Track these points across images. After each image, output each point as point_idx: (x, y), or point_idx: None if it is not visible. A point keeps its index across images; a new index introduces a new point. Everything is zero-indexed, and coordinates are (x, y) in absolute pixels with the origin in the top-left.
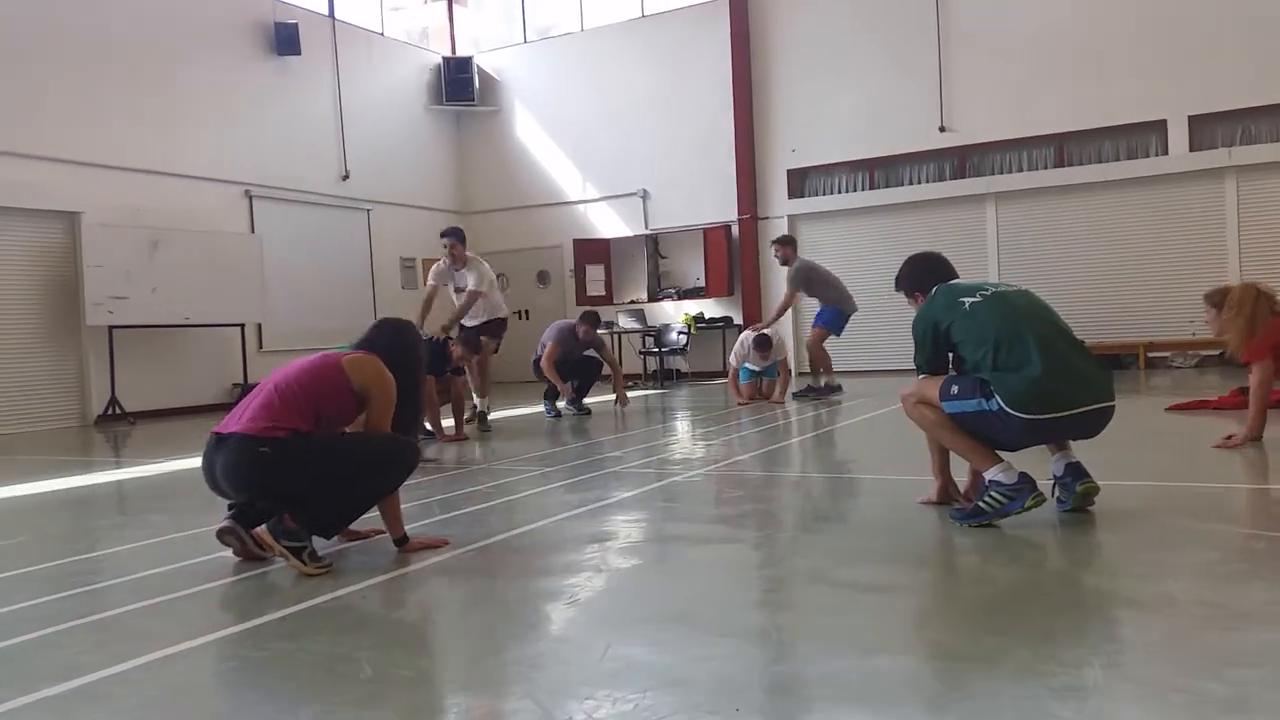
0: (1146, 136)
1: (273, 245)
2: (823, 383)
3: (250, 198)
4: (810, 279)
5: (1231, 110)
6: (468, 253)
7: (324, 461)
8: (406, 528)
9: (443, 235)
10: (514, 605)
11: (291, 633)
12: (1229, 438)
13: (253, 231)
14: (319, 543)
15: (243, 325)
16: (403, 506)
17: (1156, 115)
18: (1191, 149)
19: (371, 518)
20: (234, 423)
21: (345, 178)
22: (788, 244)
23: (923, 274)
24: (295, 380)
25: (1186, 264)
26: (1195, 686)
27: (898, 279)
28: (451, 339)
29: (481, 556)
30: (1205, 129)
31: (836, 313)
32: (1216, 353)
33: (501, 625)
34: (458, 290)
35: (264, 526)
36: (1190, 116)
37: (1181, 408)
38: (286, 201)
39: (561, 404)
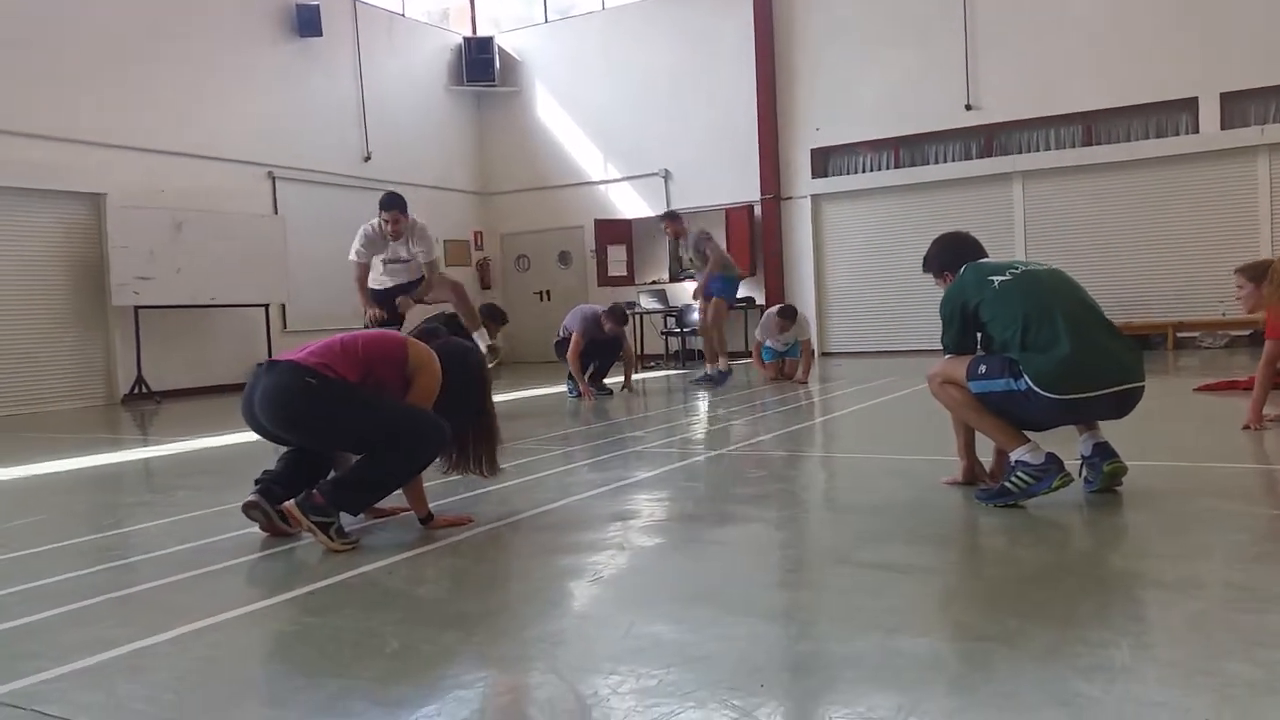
0: (1177, 115)
1: (296, 226)
2: (721, 367)
3: (273, 179)
4: (709, 246)
5: (1264, 87)
6: (412, 217)
7: (360, 413)
8: (431, 505)
9: (386, 208)
10: (537, 582)
11: (319, 607)
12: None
13: (276, 212)
14: (346, 520)
15: (267, 306)
16: (427, 485)
17: (1187, 93)
18: (1223, 127)
19: (395, 496)
20: (291, 353)
21: (367, 159)
22: (676, 219)
23: (951, 254)
24: (359, 338)
25: (1217, 244)
26: (1223, 668)
27: (926, 259)
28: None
29: (505, 534)
30: (1237, 107)
31: (727, 280)
32: (1246, 333)
33: (525, 602)
34: (392, 261)
35: (292, 502)
36: (1222, 94)
37: (1210, 388)
38: (309, 183)
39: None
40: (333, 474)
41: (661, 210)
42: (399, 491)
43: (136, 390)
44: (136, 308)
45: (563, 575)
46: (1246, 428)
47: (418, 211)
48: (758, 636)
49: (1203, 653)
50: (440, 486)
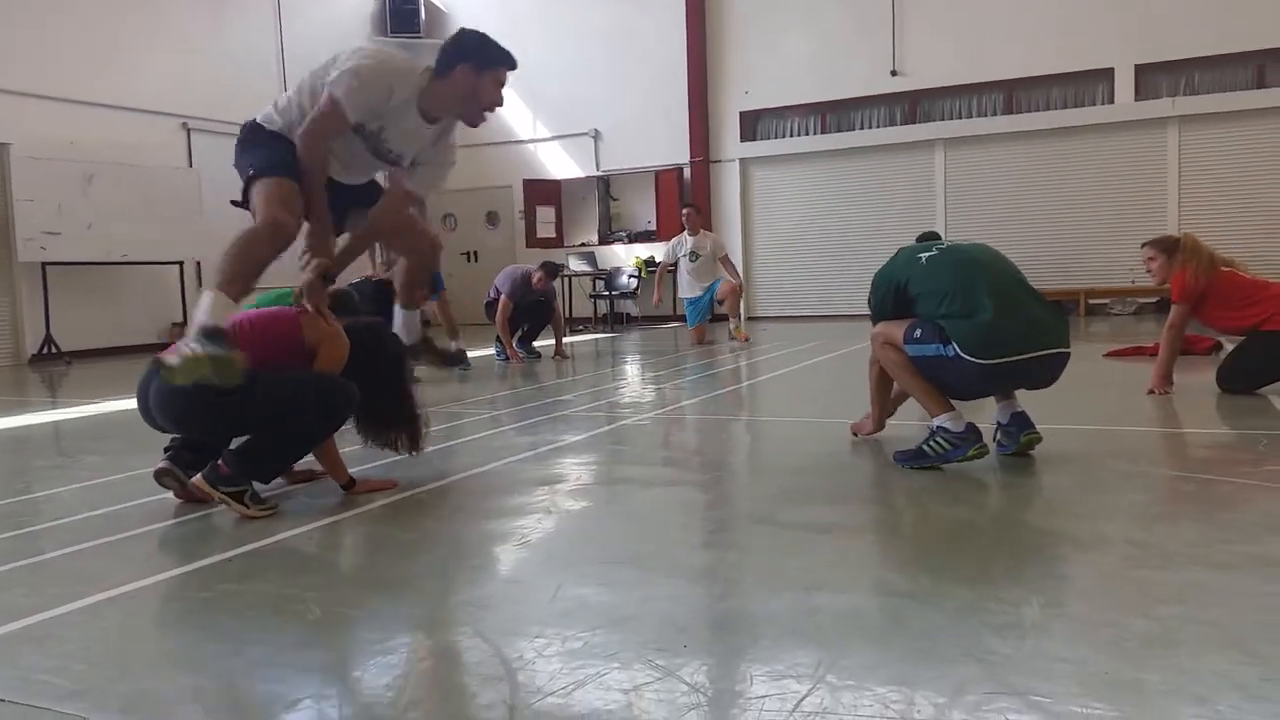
0: (1094, 85)
1: (212, 180)
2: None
3: (188, 131)
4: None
5: (1176, 60)
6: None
7: (259, 398)
8: (352, 470)
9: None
10: (464, 547)
11: (237, 574)
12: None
13: (191, 166)
14: (261, 485)
15: (181, 263)
16: (350, 449)
17: (1104, 64)
18: (1137, 98)
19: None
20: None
21: None
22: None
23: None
24: (248, 321)
25: (1129, 212)
26: (1124, 622)
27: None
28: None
29: (431, 498)
30: (1150, 78)
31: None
32: (1154, 300)
33: (451, 566)
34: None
35: (199, 476)
36: (1137, 65)
37: (1119, 354)
38: (227, 135)
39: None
40: (240, 442)
41: (592, 170)
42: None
43: (45, 350)
44: (44, 264)
45: (489, 539)
46: (1152, 392)
47: None
48: (682, 597)
49: (1106, 608)
50: (363, 451)
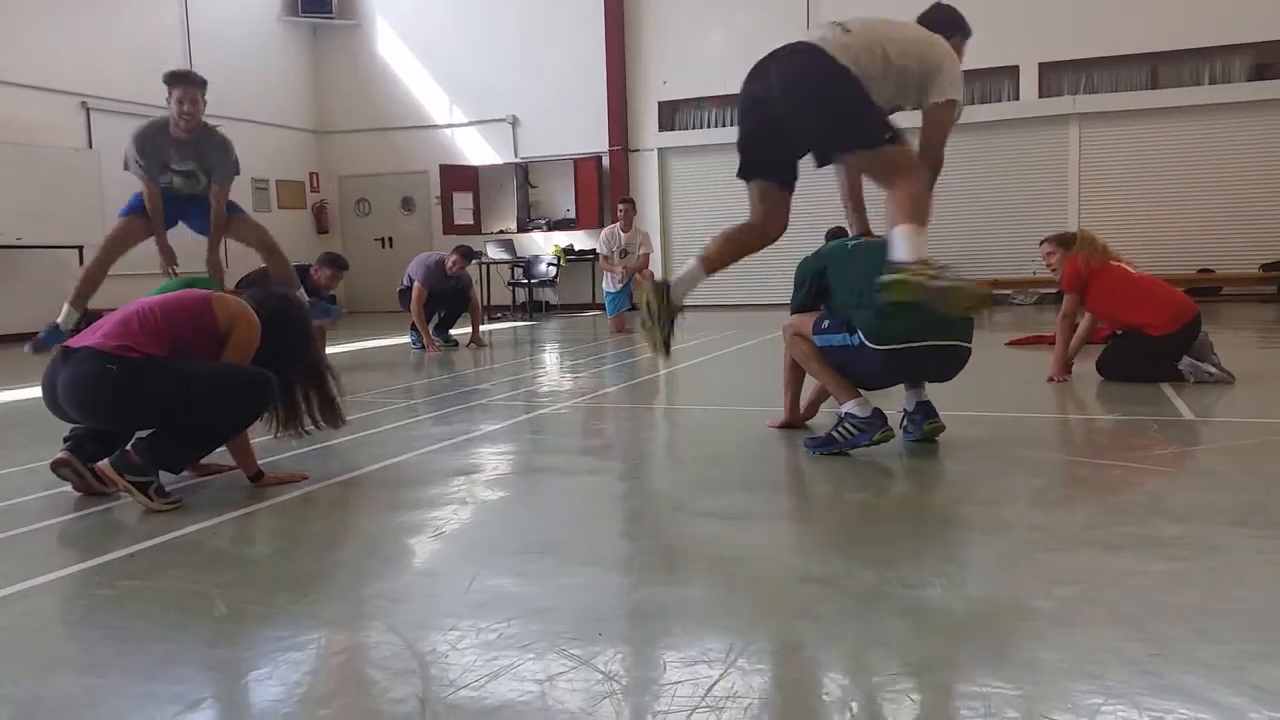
0: (1000, 81)
1: (113, 162)
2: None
3: (88, 110)
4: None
5: (1077, 59)
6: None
7: (173, 387)
8: (261, 462)
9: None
10: (376, 539)
11: (140, 570)
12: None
13: (90, 147)
14: (167, 478)
15: (81, 247)
16: (258, 441)
17: (1009, 61)
18: (1040, 95)
19: (223, 452)
20: (86, 337)
21: None
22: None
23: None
24: (159, 307)
25: (1031, 206)
26: (1022, 603)
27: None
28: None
29: (342, 490)
30: (1053, 76)
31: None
32: (1055, 290)
33: (363, 560)
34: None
35: (106, 461)
36: (1040, 63)
37: (1020, 343)
38: (128, 115)
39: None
40: (150, 431)
41: (510, 157)
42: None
43: None
44: None
45: (402, 531)
46: (1051, 379)
47: (243, 145)
48: (598, 586)
49: (1007, 590)
50: (272, 442)
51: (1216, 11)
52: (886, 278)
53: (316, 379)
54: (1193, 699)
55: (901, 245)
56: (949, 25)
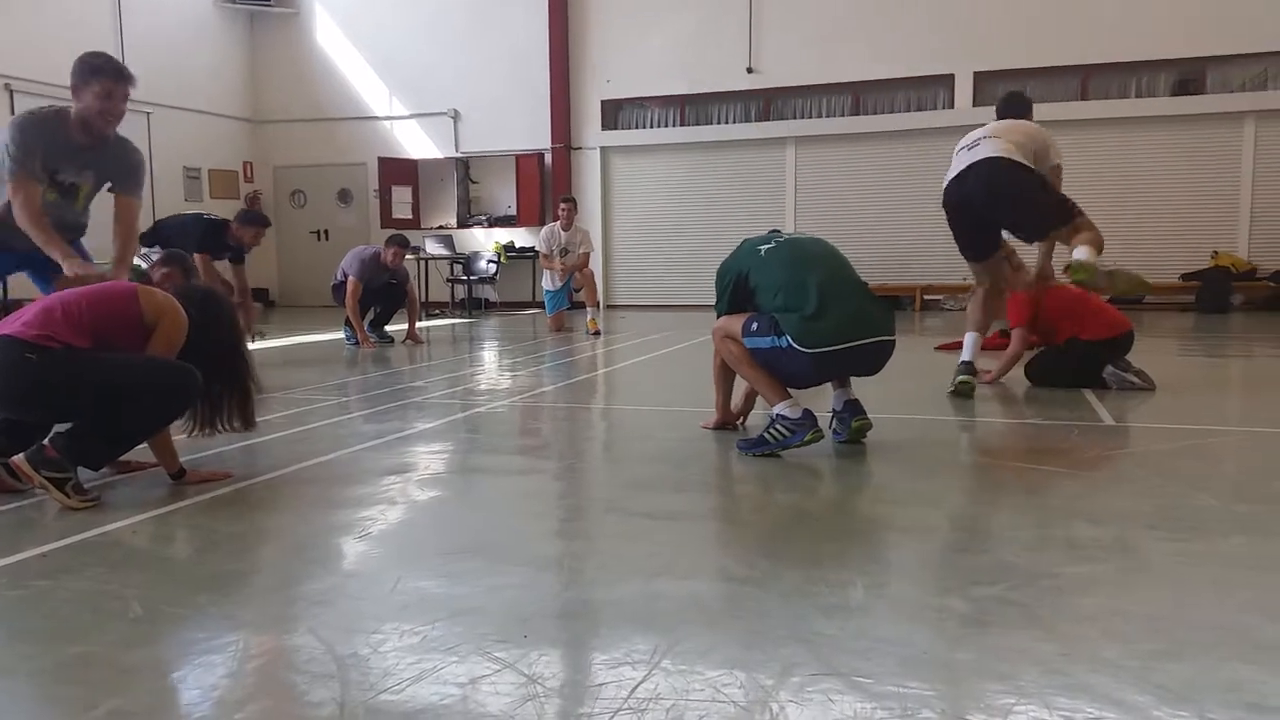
0: (935, 90)
1: None
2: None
3: (10, 92)
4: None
5: (1010, 69)
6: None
7: (95, 378)
8: (184, 459)
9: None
10: (301, 540)
11: (53, 570)
12: (983, 374)
13: None
14: (85, 474)
15: None
16: (183, 438)
17: (945, 70)
18: (975, 104)
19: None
20: (6, 325)
21: None
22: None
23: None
24: (84, 298)
25: None
26: (941, 603)
27: None
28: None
29: (268, 489)
30: (987, 85)
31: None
32: None
33: (287, 561)
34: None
35: (22, 456)
36: (975, 73)
37: (949, 347)
38: (54, 99)
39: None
40: (69, 425)
41: (451, 151)
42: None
43: None
44: None
45: (329, 532)
46: (984, 383)
47: (176, 133)
48: (526, 586)
49: (926, 590)
50: (196, 439)
51: (1144, 28)
52: (1074, 260)
53: (238, 378)
54: (1099, 698)
55: (1085, 253)
56: (1028, 108)
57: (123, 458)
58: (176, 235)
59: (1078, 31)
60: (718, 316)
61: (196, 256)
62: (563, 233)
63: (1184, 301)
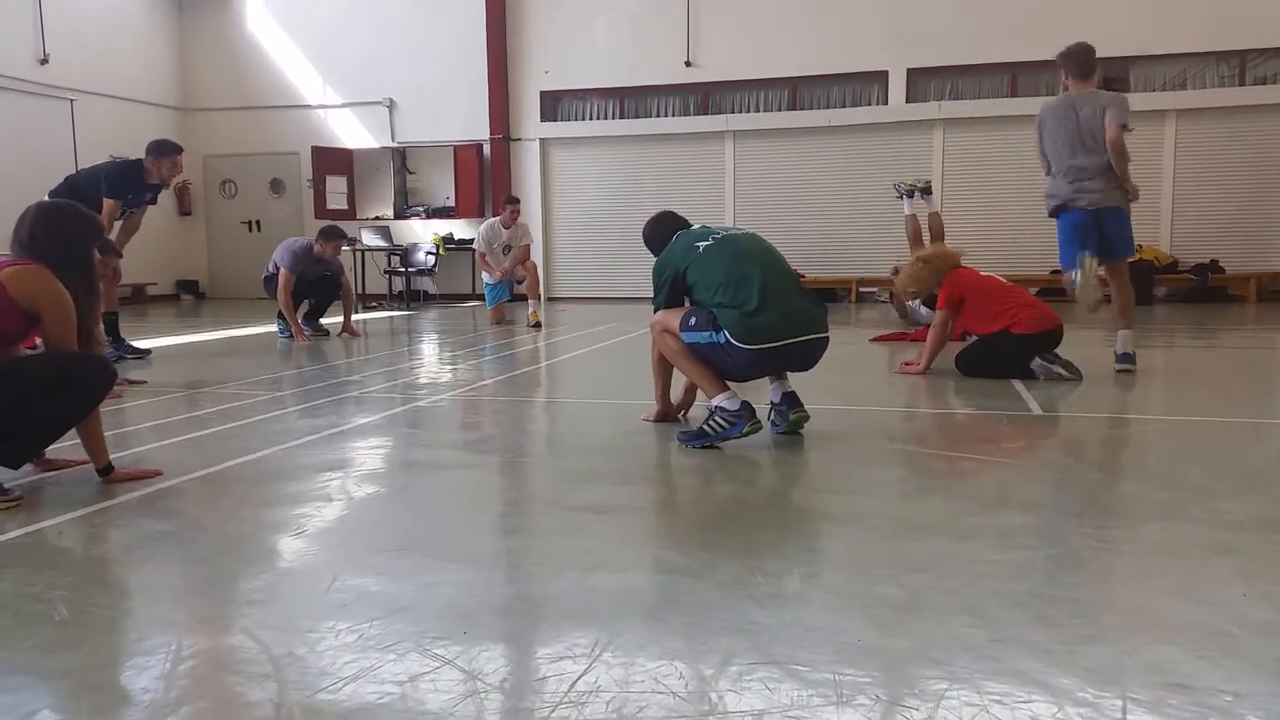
0: (870, 86)
1: None
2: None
3: None
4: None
5: (943, 67)
6: None
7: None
8: (112, 456)
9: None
10: (234, 539)
11: None
12: (908, 364)
13: None
14: (6, 474)
15: None
16: (109, 434)
17: (879, 66)
18: (908, 100)
19: (71, 445)
20: None
21: (44, 61)
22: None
23: (664, 230)
24: None
25: (898, 207)
26: (875, 591)
27: (647, 242)
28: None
29: (199, 487)
30: (920, 83)
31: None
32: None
33: (219, 560)
34: None
35: None
36: (909, 69)
37: (884, 339)
38: None
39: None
40: None
41: (387, 141)
42: (75, 440)
43: None
44: None
45: (262, 530)
46: (905, 367)
47: (102, 121)
48: (465, 583)
49: (860, 578)
50: (124, 435)
51: (1069, 27)
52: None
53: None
54: (1028, 681)
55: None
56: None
57: (49, 456)
58: (87, 184)
59: (1006, 30)
60: (655, 310)
61: (105, 203)
62: (504, 230)
63: (1108, 294)
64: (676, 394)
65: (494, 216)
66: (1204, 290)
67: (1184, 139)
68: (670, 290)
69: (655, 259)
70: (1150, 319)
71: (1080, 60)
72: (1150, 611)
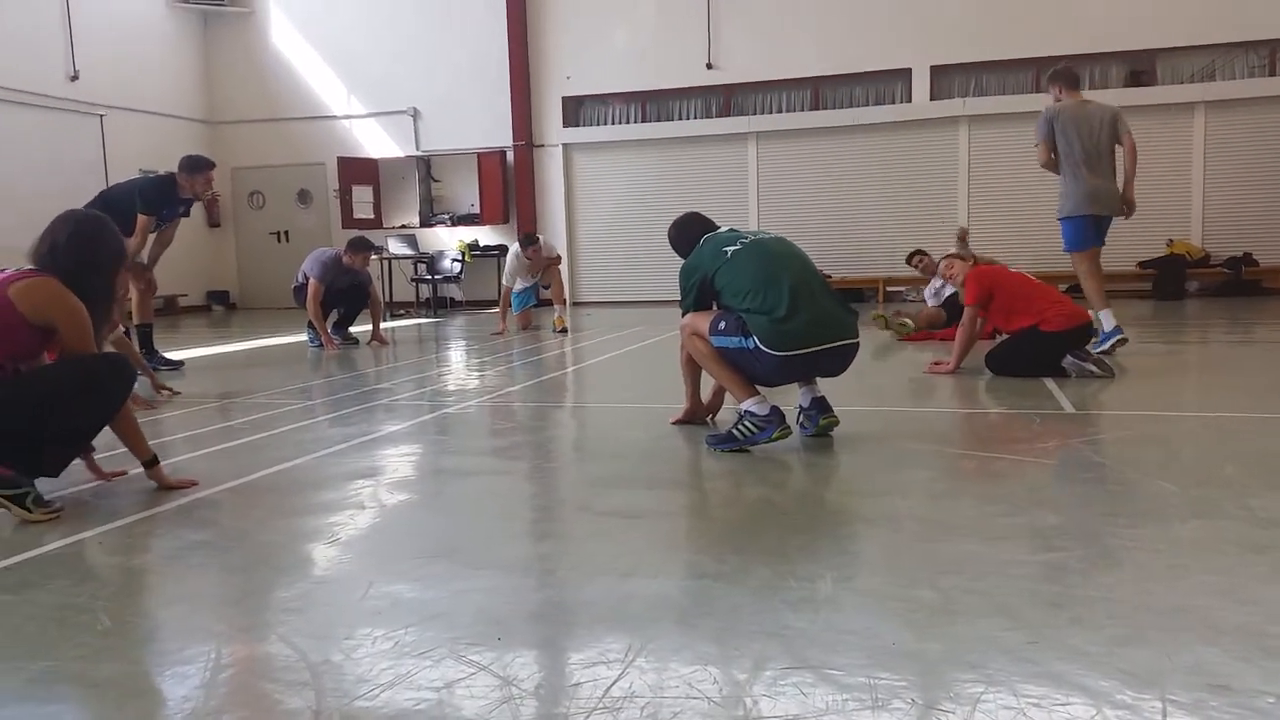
0: (893, 84)
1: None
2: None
3: None
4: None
5: (967, 63)
6: None
7: (22, 406)
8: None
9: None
10: (269, 547)
11: (17, 584)
12: (937, 363)
13: None
14: (47, 486)
15: None
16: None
17: (902, 64)
18: (932, 98)
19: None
20: None
21: (74, 78)
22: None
23: (689, 232)
24: None
25: (923, 204)
26: (908, 594)
27: (673, 244)
28: None
29: (233, 497)
30: (944, 80)
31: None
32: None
33: (255, 569)
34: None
35: None
36: (932, 67)
37: (912, 339)
38: (3, 102)
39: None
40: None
41: (411, 150)
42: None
43: None
44: None
45: (296, 538)
46: (935, 368)
47: (131, 135)
48: (497, 589)
49: (893, 581)
50: (163, 445)
51: (1095, 21)
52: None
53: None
54: (1065, 684)
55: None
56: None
57: (107, 470)
58: (121, 199)
59: (1031, 25)
60: (683, 314)
61: (139, 218)
62: (529, 262)
63: (1141, 289)
64: (706, 395)
65: (516, 245)
66: (1237, 284)
67: (1214, 131)
68: (699, 294)
69: (681, 261)
70: (1182, 314)
71: (1070, 75)
72: (1188, 611)
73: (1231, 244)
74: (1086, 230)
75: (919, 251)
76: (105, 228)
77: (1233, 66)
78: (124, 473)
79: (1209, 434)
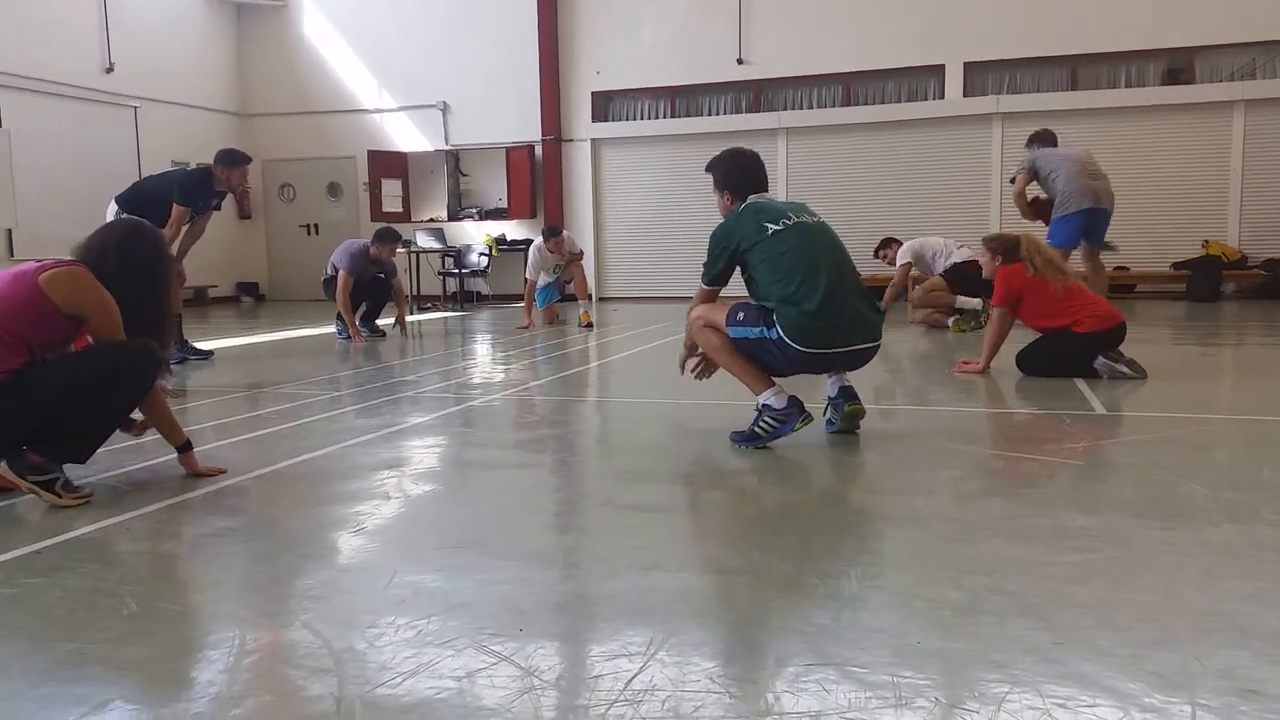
0: (926, 80)
1: (25, 143)
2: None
3: None
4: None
5: (1000, 60)
6: None
7: (50, 393)
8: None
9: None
10: (295, 535)
11: (46, 567)
12: (966, 363)
13: (1, 125)
14: (76, 471)
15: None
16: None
17: (935, 60)
18: (965, 94)
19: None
20: None
21: (109, 70)
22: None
23: (735, 176)
24: (2, 313)
25: (956, 202)
26: (934, 593)
27: (713, 164)
28: None
29: (261, 485)
30: (977, 76)
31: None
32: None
33: (281, 556)
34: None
35: (4, 464)
36: (965, 63)
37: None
38: (41, 94)
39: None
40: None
41: (440, 144)
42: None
43: None
44: None
45: (323, 527)
46: (963, 367)
47: (164, 127)
48: (521, 580)
49: (919, 580)
50: (192, 433)
51: (1132, 18)
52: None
53: (158, 325)
54: (1092, 686)
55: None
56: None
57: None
58: (157, 189)
59: (1067, 22)
60: (703, 279)
61: (175, 209)
62: (551, 254)
63: (1175, 290)
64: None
65: (539, 238)
66: (1275, 286)
67: (1253, 130)
68: (726, 265)
69: (713, 199)
70: (1218, 316)
71: (1048, 136)
72: (1219, 615)
73: (1270, 246)
74: (1079, 229)
75: (887, 242)
76: (160, 244)
77: (1274, 65)
78: (148, 426)
79: (1242, 437)
